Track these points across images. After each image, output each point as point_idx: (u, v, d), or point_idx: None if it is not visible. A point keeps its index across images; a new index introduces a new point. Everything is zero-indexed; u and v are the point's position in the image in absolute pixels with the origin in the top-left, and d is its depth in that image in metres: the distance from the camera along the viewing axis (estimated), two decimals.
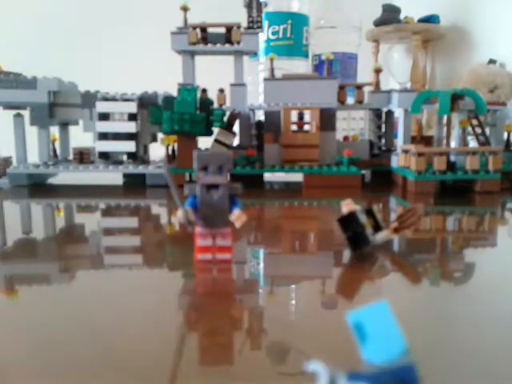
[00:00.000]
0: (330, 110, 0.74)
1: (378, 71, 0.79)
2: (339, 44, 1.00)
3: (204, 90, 0.75)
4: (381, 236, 0.33)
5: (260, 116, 0.81)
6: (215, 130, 0.72)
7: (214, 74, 0.80)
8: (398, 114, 0.76)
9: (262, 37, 0.93)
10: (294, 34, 0.95)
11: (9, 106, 0.74)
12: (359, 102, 0.79)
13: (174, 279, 0.30)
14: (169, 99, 0.68)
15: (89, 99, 0.73)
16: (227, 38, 0.74)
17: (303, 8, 0.96)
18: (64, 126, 0.80)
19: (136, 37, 1.37)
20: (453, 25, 1.31)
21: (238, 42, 0.74)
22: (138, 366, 0.18)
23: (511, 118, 0.77)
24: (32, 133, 0.75)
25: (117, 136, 0.71)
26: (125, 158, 0.73)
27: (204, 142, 0.74)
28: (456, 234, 0.44)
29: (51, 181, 0.77)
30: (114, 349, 0.19)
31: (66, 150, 0.81)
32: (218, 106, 0.75)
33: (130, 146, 0.71)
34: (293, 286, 0.29)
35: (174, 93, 0.71)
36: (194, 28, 0.73)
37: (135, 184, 0.72)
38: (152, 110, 0.69)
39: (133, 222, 0.50)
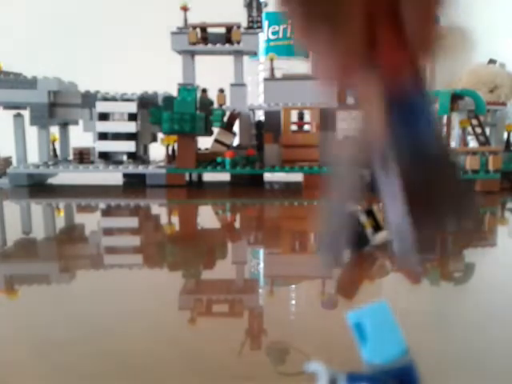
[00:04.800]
0: (330, 110, 0.74)
1: None
2: None
3: (204, 90, 0.75)
4: (381, 236, 0.33)
5: (260, 116, 0.81)
6: (215, 129, 0.72)
7: (214, 74, 0.80)
8: None
9: (262, 37, 0.93)
10: (294, 33, 0.94)
11: (9, 106, 0.74)
12: None
13: (174, 279, 0.30)
14: (169, 99, 0.68)
15: (89, 99, 0.73)
16: (227, 37, 0.74)
17: None
18: (64, 125, 0.80)
19: (136, 37, 1.37)
20: (453, 25, 1.31)
21: (238, 42, 0.74)
22: (137, 365, 0.18)
23: (511, 118, 0.76)
24: (32, 133, 0.74)
25: (117, 136, 0.71)
26: (125, 158, 0.73)
27: (204, 142, 0.74)
28: (456, 234, 0.44)
29: (51, 181, 0.77)
30: (114, 349, 0.19)
31: (65, 149, 0.81)
32: (218, 106, 0.75)
33: (130, 145, 0.71)
34: (293, 286, 0.29)
35: (174, 93, 0.71)
36: (194, 28, 0.73)
37: (135, 184, 0.72)
38: (152, 110, 0.69)
39: (133, 221, 0.50)
